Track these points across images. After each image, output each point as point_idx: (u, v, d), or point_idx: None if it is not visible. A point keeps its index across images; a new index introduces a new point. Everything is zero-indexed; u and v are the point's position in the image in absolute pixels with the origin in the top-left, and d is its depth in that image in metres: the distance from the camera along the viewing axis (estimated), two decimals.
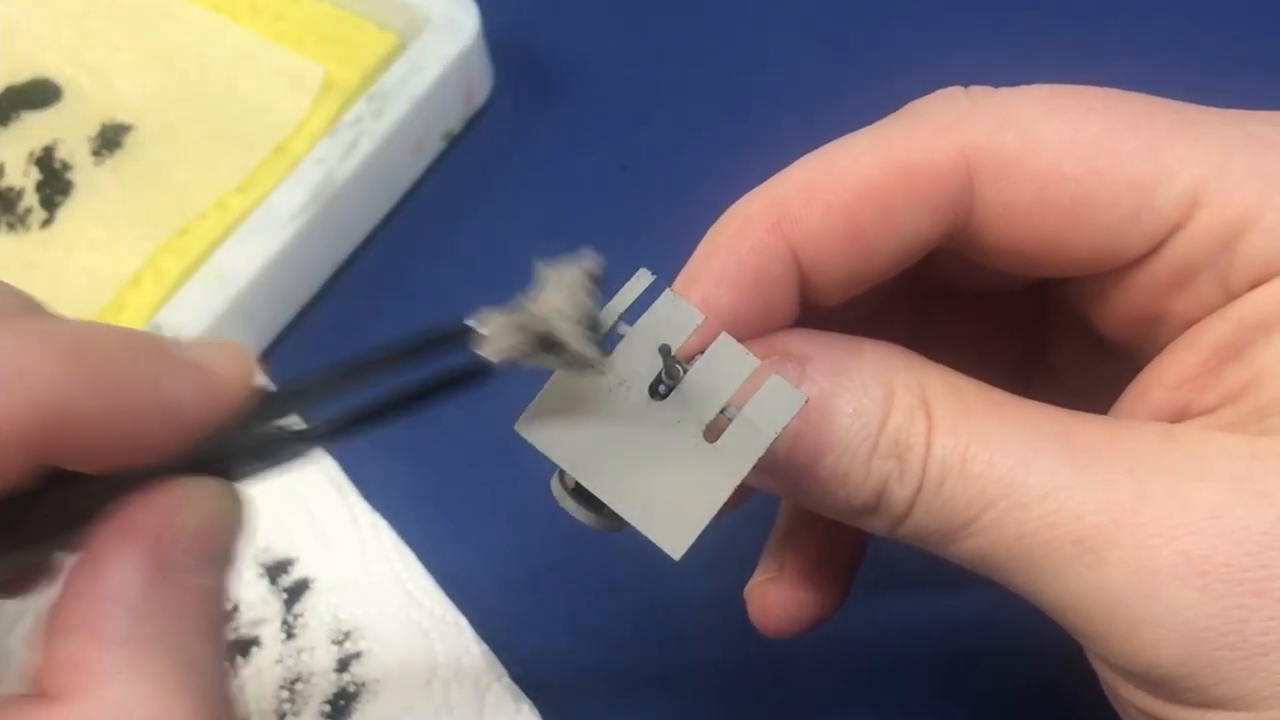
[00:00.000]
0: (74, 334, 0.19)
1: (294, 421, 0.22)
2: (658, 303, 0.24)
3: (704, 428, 0.24)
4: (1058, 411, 0.24)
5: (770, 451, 0.23)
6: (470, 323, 0.22)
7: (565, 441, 0.24)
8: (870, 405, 0.24)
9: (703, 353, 0.24)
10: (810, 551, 0.30)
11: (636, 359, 0.24)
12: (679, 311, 0.24)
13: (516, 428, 0.24)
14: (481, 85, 0.48)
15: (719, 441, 0.24)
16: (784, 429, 0.23)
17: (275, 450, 0.22)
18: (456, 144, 0.48)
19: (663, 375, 0.24)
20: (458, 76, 0.46)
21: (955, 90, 0.25)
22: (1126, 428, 0.23)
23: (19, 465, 0.19)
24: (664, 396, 0.24)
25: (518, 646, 0.37)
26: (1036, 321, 0.30)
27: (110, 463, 0.20)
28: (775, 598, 0.31)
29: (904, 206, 0.24)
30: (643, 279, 0.24)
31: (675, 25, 0.50)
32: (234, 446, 0.22)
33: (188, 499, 0.21)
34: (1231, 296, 0.23)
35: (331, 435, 0.22)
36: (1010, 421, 0.23)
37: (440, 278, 0.45)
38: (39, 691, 0.19)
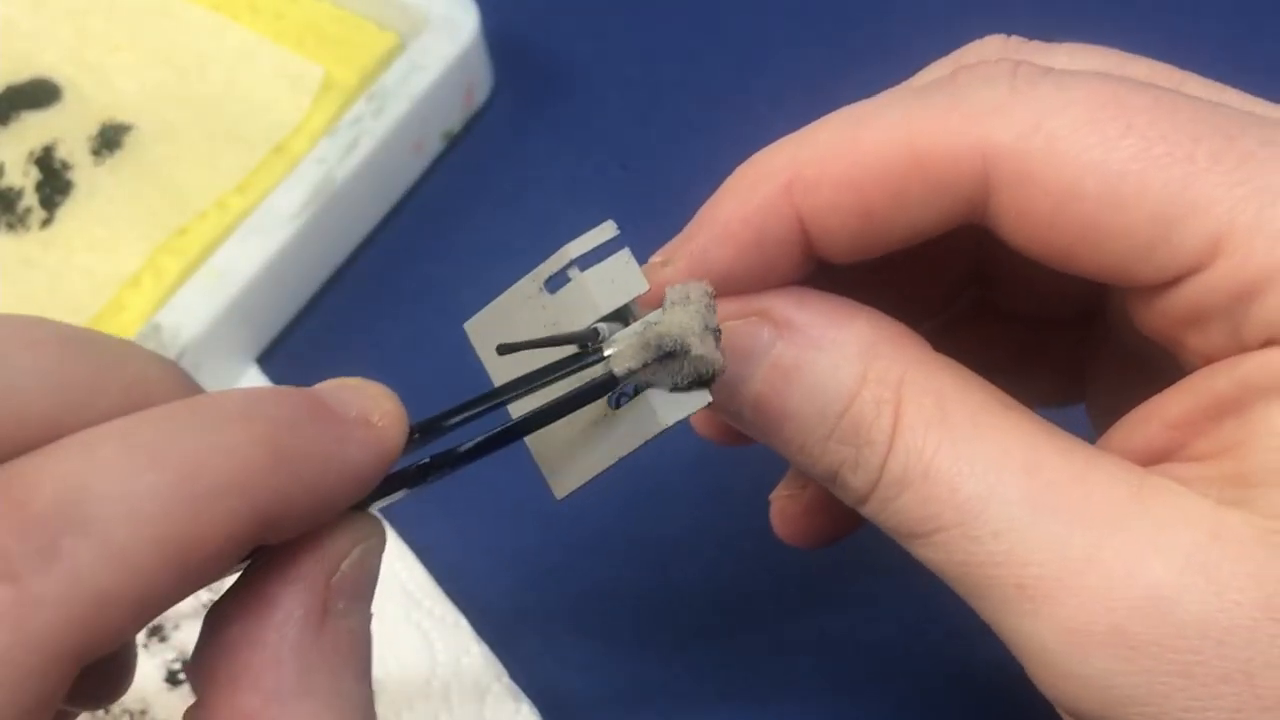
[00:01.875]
0: (266, 419, 0.19)
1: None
2: (610, 260, 0.24)
3: (613, 394, 0.24)
4: (1038, 434, 0.23)
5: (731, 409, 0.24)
6: (601, 344, 0.23)
7: (498, 355, 0.24)
8: (835, 387, 0.24)
9: (632, 320, 0.24)
10: None
11: (574, 309, 0.24)
12: (627, 275, 0.24)
13: (465, 325, 0.25)
14: (481, 85, 0.48)
15: (619, 413, 0.24)
16: (675, 423, 0.23)
17: (415, 477, 0.22)
18: (456, 144, 0.48)
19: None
20: (458, 76, 0.46)
21: (1002, 69, 0.24)
22: (1102, 470, 0.22)
23: (234, 563, 0.19)
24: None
25: (518, 646, 0.37)
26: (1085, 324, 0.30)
27: (297, 533, 0.20)
28: (795, 513, 0.31)
29: (915, 193, 0.24)
30: (607, 230, 0.24)
31: (675, 25, 0.50)
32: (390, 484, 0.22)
33: (345, 541, 0.21)
34: (1244, 348, 0.22)
35: (467, 458, 0.23)
36: (984, 441, 0.23)
37: (440, 278, 0.45)
38: None
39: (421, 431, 0.22)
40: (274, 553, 0.20)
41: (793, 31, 0.49)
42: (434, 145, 0.47)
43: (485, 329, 0.25)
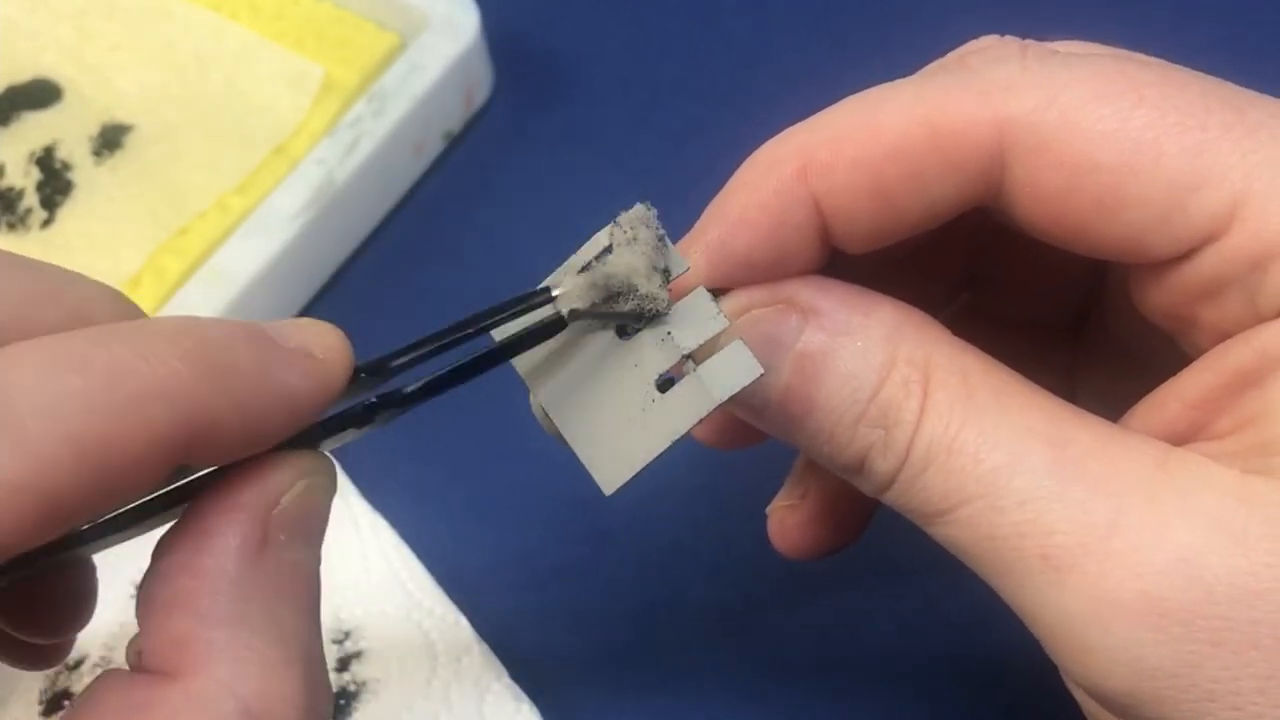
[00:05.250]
0: (197, 337, 0.19)
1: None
2: None
3: (658, 376, 0.24)
4: (1061, 410, 0.23)
5: (730, 405, 0.24)
6: (547, 285, 0.24)
7: (532, 357, 0.25)
8: (866, 371, 0.24)
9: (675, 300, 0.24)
10: (833, 484, 0.30)
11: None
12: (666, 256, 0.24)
13: (493, 331, 0.25)
14: (481, 85, 0.48)
15: (668, 394, 0.24)
16: (730, 397, 0.23)
17: (362, 417, 0.22)
18: (456, 144, 0.48)
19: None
20: (458, 76, 0.46)
21: (1011, 49, 0.24)
22: (1125, 445, 0.22)
23: (159, 476, 0.19)
24: (630, 336, 0.24)
25: (518, 646, 0.37)
26: (1096, 280, 0.29)
27: (231, 457, 0.20)
28: (794, 524, 0.31)
29: (932, 171, 0.23)
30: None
31: (675, 24, 0.50)
32: (332, 423, 0.22)
33: (287, 475, 0.21)
34: (1261, 318, 0.22)
35: (413, 399, 0.23)
36: (1008, 416, 0.23)
37: (440, 278, 0.45)
38: (143, 666, 0.20)
39: (368, 372, 0.22)
40: (217, 484, 0.21)
41: (793, 31, 0.49)
42: (434, 146, 0.47)
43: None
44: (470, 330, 0.23)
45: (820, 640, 0.37)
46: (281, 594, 0.20)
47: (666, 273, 0.24)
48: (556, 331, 0.24)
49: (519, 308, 0.24)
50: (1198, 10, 0.48)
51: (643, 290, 0.23)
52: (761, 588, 0.38)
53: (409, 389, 0.23)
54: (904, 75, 0.27)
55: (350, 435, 0.23)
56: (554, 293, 0.23)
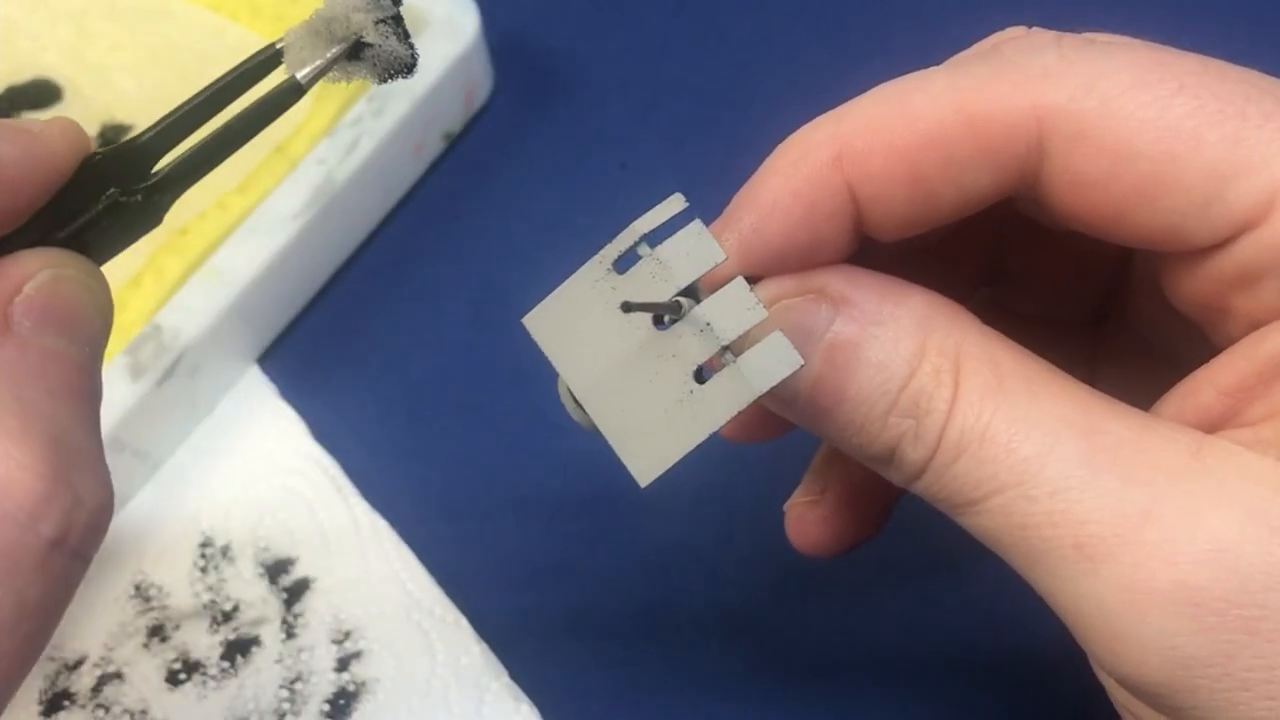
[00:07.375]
0: None
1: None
2: (682, 232, 0.24)
3: (696, 367, 0.23)
4: (1093, 400, 0.23)
5: (774, 397, 0.23)
6: (278, 44, 0.24)
7: (566, 346, 0.24)
8: (897, 361, 0.24)
9: (712, 290, 0.24)
10: (854, 478, 0.30)
11: (649, 286, 0.24)
12: (702, 245, 0.24)
13: (524, 320, 0.24)
14: (481, 85, 0.48)
15: (706, 385, 0.23)
16: (770, 389, 0.23)
17: (119, 216, 0.24)
18: (456, 144, 0.48)
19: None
20: (458, 77, 0.46)
21: (1047, 39, 0.24)
22: (1158, 433, 0.22)
23: None
24: (666, 326, 0.24)
25: (518, 646, 0.37)
26: (1120, 275, 0.29)
27: None
28: (814, 520, 0.30)
29: (969, 159, 0.23)
30: (675, 204, 0.24)
31: (675, 25, 0.50)
32: (80, 220, 0.23)
33: (29, 264, 0.22)
34: None
35: (171, 187, 0.24)
36: (1040, 405, 0.23)
37: (440, 278, 0.45)
38: None
39: (110, 158, 0.23)
40: None
41: (793, 31, 0.50)
42: (434, 146, 0.47)
43: (548, 320, 0.25)
44: (213, 105, 0.24)
45: (820, 640, 0.37)
46: (26, 376, 0.21)
47: (397, 21, 0.24)
48: (296, 99, 0.24)
49: (250, 67, 0.24)
50: (1198, 11, 0.48)
51: (359, 21, 0.23)
52: (761, 588, 0.38)
53: (154, 176, 0.24)
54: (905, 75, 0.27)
55: (122, 242, 0.24)
56: (279, 47, 0.24)
